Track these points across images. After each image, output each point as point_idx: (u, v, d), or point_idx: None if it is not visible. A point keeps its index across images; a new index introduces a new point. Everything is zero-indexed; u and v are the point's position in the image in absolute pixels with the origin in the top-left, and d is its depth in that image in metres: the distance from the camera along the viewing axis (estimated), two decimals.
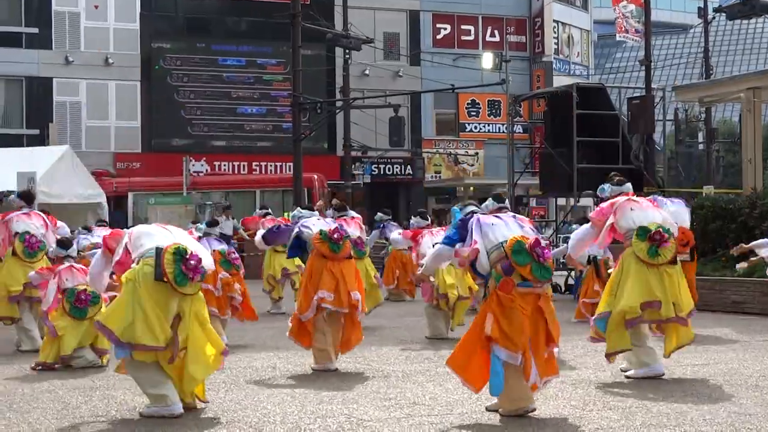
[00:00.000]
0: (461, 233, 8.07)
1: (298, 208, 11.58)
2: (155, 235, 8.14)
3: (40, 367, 10.68)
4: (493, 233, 7.90)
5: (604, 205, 9.94)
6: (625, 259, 9.70)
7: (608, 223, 9.71)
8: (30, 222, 12.82)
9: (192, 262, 7.86)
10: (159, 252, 7.87)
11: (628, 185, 10.20)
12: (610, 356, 9.62)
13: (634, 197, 10.01)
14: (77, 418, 7.81)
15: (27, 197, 13.22)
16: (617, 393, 8.68)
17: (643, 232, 9.61)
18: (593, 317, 9.87)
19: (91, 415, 7.93)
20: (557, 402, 8.24)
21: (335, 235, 10.45)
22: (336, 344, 10.53)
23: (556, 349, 7.93)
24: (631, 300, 9.44)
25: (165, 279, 7.77)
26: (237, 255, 13.67)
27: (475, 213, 8.27)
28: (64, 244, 11.90)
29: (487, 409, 7.87)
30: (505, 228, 7.94)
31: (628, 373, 9.59)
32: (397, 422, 7.47)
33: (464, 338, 7.92)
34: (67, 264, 11.40)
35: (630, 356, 9.68)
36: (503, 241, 7.84)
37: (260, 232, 11.56)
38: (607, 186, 10.21)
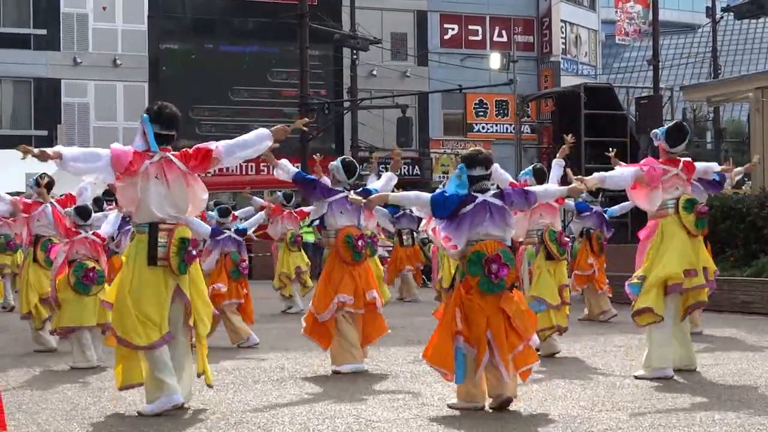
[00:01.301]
0: (451, 212, 7.97)
1: (339, 163, 10.70)
2: (152, 194, 7.93)
3: (56, 333, 11.25)
4: (476, 231, 7.96)
5: (658, 165, 9.74)
6: (667, 227, 9.72)
7: (652, 193, 9.73)
8: (50, 224, 12.68)
9: (193, 252, 7.92)
10: (153, 230, 7.85)
11: (681, 147, 9.88)
12: (636, 316, 9.68)
13: (680, 170, 9.83)
14: (86, 418, 7.81)
15: (46, 186, 12.90)
16: (626, 393, 8.67)
17: (690, 205, 9.72)
18: (627, 282, 9.84)
19: (100, 415, 7.94)
20: (566, 402, 8.23)
21: (359, 243, 10.35)
22: (359, 342, 10.52)
23: (534, 340, 8.08)
24: (675, 266, 9.57)
25: (161, 264, 7.84)
26: (246, 263, 13.70)
27: (477, 197, 8.02)
28: (83, 213, 11.64)
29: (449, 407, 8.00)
30: (488, 225, 7.97)
31: (637, 374, 9.58)
32: (405, 423, 7.47)
33: (436, 332, 8.04)
34: (83, 235, 11.34)
35: (646, 355, 9.69)
36: (476, 241, 7.96)
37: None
38: (661, 133, 9.92)
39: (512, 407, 7.97)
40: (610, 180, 9.76)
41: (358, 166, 10.88)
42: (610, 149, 13.55)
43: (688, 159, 10.09)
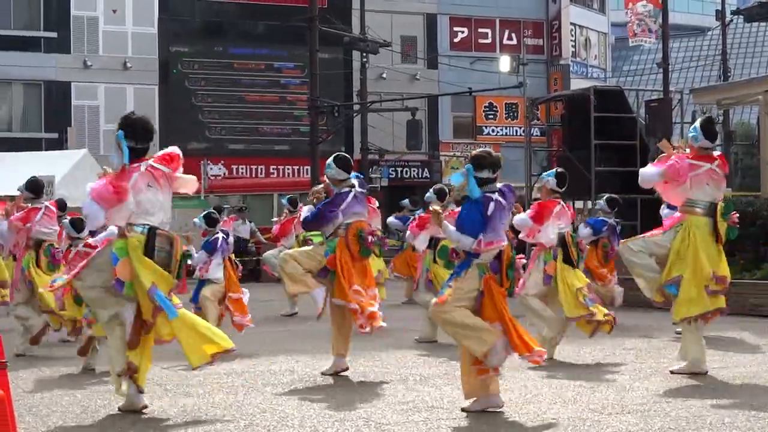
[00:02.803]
0: (483, 221, 8.00)
1: (332, 161, 10.35)
2: (145, 203, 8.15)
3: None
4: (499, 231, 8.13)
5: (682, 162, 9.75)
6: (694, 229, 9.77)
7: (678, 188, 9.82)
8: (50, 227, 12.68)
9: (188, 261, 8.13)
10: (152, 235, 8.07)
11: (716, 142, 10.02)
12: (687, 320, 9.91)
13: (716, 166, 9.88)
14: (96, 421, 7.83)
15: (35, 188, 12.81)
16: (636, 396, 8.67)
17: (728, 212, 9.82)
18: (663, 283, 9.91)
19: (111, 418, 7.95)
20: (576, 405, 8.23)
21: (369, 238, 10.21)
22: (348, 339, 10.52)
23: None
24: (706, 267, 9.72)
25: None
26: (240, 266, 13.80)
27: (492, 195, 8.10)
28: (76, 225, 11.87)
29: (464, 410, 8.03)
30: (499, 227, 8.14)
31: (674, 368, 9.90)
32: (415, 426, 7.47)
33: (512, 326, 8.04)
34: (79, 247, 11.47)
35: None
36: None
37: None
38: (699, 135, 9.84)
39: (522, 410, 7.99)
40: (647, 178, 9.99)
41: (347, 156, 10.63)
42: None
43: (721, 157, 10.12)
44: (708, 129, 9.90)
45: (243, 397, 8.84)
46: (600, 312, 11.35)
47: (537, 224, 11.23)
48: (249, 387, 9.47)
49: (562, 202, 11.62)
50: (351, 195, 10.27)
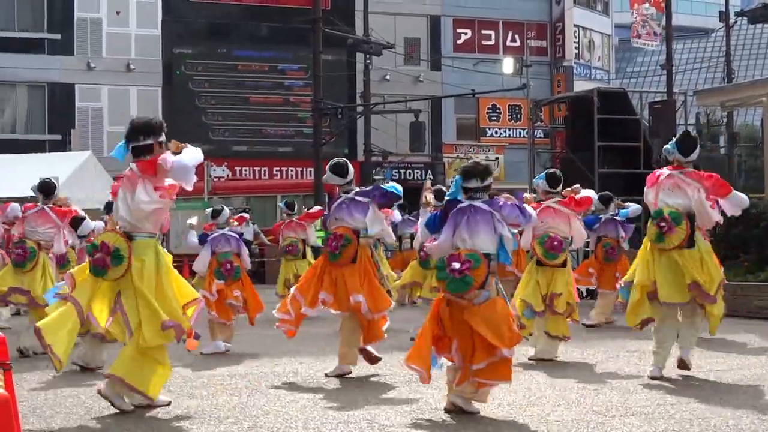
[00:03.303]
0: (441, 221, 8.32)
1: (329, 171, 10.55)
2: (117, 207, 8.51)
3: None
4: (456, 235, 8.12)
5: (656, 171, 10.20)
6: (647, 237, 10.01)
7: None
8: (37, 227, 12.70)
9: (96, 256, 8.11)
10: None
11: (694, 155, 9.90)
12: (640, 326, 10.14)
13: (682, 174, 9.85)
14: (100, 423, 7.83)
15: (45, 189, 12.84)
16: (640, 398, 8.66)
17: (655, 215, 9.83)
18: (620, 284, 10.33)
19: (115, 420, 7.95)
20: (579, 408, 8.23)
21: (333, 243, 10.20)
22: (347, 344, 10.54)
23: (506, 352, 7.88)
24: (642, 275, 9.86)
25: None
26: (231, 266, 13.44)
27: (463, 202, 8.15)
28: (73, 225, 12.04)
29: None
30: (464, 228, 8.09)
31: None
32: (418, 427, 7.47)
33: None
34: (82, 244, 11.60)
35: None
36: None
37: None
38: (673, 149, 9.94)
39: (526, 412, 7.99)
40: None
41: (345, 162, 10.65)
42: None
43: (709, 173, 10.07)
44: (682, 143, 9.96)
45: (247, 399, 8.85)
46: (527, 331, 11.29)
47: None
48: (253, 389, 9.48)
49: (549, 203, 11.60)
50: (338, 201, 10.44)
